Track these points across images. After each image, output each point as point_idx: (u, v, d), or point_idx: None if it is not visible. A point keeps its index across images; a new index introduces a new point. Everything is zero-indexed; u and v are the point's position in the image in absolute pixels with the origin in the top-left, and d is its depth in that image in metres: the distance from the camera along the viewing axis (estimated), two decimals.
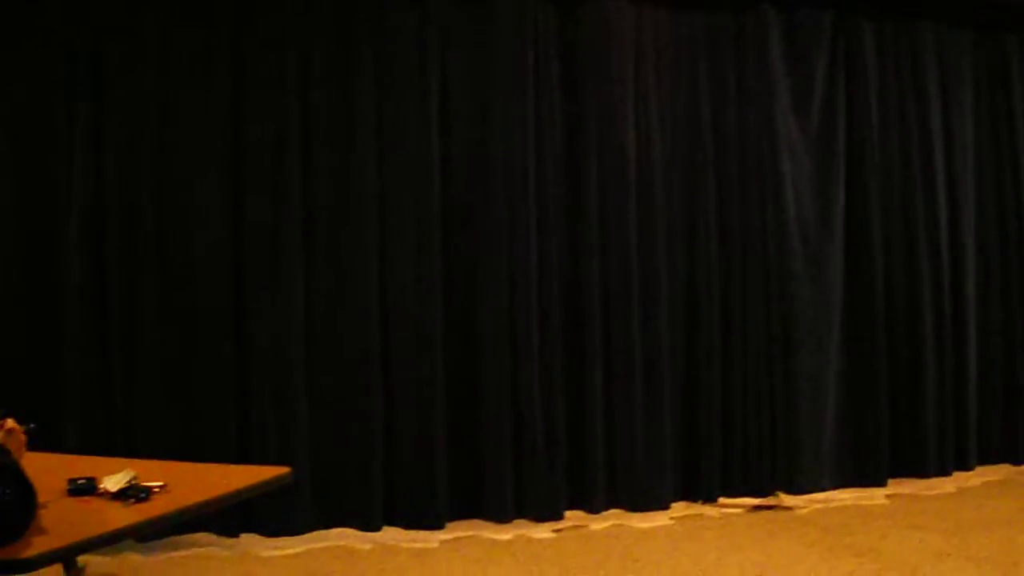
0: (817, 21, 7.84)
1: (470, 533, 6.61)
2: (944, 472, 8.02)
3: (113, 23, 6.43)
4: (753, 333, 7.56)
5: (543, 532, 6.67)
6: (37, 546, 2.56)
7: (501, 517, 6.82)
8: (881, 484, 7.75)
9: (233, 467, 3.86)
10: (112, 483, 3.08)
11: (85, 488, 3.10)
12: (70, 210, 6.29)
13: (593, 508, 7.07)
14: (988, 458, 8.35)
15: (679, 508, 7.20)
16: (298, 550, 6.23)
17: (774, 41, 7.69)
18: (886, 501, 7.43)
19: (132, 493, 3.04)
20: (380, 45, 6.81)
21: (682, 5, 7.52)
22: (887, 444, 7.85)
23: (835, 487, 7.68)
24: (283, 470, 3.52)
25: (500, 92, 7.01)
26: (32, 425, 3.20)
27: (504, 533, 6.62)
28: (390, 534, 6.55)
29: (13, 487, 2.62)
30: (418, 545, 6.36)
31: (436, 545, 6.38)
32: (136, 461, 3.42)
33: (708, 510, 7.21)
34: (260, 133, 6.59)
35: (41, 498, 2.70)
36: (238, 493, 3.30)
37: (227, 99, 6.56)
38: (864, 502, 7.39)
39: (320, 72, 6.73)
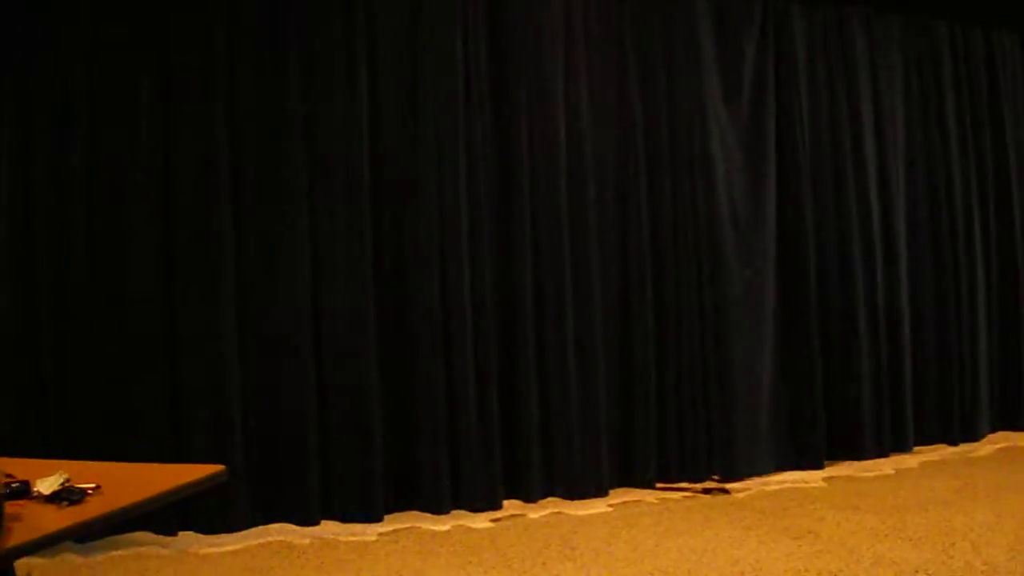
0: (747, 4, 7.91)
1: (408, 525, 6.60)
2: (882, 453, 8.13)
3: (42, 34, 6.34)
4: (687, 318, 7.62)
5: (481, 522, 6.66)
6: None
7: (439, 508, 6.80)
8: (818, 467, 7.83)
9: (167, 466, 3.81)
10: (45, 486, 3.03)
11: (19, 491, 3.05)
12: None
13: (531, 497, 7.07)
14: (927, 439, 8.48)
15: (617, 495, 7.23)
16: (237, 547, 6.18)
17: (704, 25, 7.74)
18: (824, 483, 7.49)
19: (65, 496, 2.99)
20: (307, 42, 6.75)
21: None
22: (824, 427, 7.95)
23: (773, 471, 7.75)
24: (218, 468, 3.47)
25: (431, 82, 6.97)
26: None
27: (442, 524, 6.61)
28: (328, 528, 6.53)
29: None
30: (356, 538, 6.33)
31: (374, 538, 6.35)
32: (69, 462, 3.37)
33: (646, 496, 7.23)
34: (189, 134, 6.51)
35: None
36: (172, 493, 3.26)
37: (156, 99, 6.47)
38: (802, 485, 7.45)
39: (248, 72, 6.65)
